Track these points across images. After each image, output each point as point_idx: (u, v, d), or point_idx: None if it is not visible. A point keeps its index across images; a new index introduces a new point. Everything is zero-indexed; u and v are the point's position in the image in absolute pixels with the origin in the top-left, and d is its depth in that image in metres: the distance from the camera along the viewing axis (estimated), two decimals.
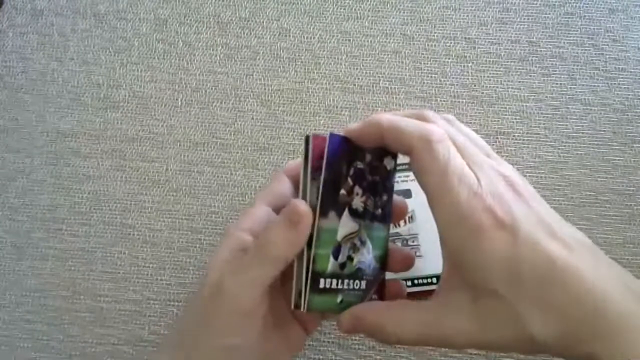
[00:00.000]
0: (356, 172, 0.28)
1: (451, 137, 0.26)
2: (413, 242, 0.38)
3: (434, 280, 0.37)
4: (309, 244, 0.26)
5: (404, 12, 0.47)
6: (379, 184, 0.29)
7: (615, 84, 0.44)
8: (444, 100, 0.44)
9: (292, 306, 0.27)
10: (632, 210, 0.40)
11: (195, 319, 0.29)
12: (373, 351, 0.37)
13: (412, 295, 0.37)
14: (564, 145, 0.42)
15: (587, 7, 0.46)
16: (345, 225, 0.27)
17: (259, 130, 0.43)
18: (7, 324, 0.39)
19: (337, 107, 0.44)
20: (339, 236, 0.27)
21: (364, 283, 0.29)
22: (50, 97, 0.45)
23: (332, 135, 0.26)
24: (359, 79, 0.45)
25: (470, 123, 0.43)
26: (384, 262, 0.30)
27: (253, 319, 0.27)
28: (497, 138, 0.43)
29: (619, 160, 0.42)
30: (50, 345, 0.38)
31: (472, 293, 0.24)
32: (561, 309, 0.23)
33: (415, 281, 0.37)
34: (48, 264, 0.40)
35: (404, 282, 0.32)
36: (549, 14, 0.46)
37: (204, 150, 0.43)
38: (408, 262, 0.31)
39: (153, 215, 0.41)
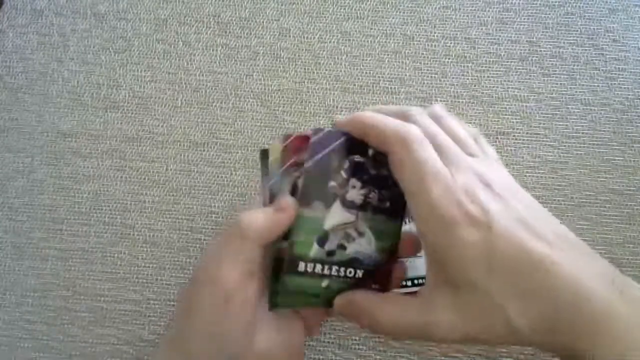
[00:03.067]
0: (353, 165, 0.29)
1: (432, 135, 0.27)
2: None
3: None
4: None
5: (404, 12, 0.47)
6: (388, 178, 0.29)
7: (615, 84, 0.44)
8: (444, 100, 0.44)
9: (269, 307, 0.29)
10: (632, 210, 0.40)
11: (182, 307, 0.29)
12: (373, 351, 0.37)
13: (412, 296, 0.37)
14: (564, 145, 0.42)
15: (587, 7, 0.46)
16: (336, 215, 0.28)
17: (259, 130, 0.43)
18: (7, 324, 0.39)
19: (337, 107, 0.44)
20: (327, 225, 0.28)
21: (360, 272, 0.30)
22: (50, 97, 0.45)
23: (316, 130, 0.28)
24: (359, 79, 0.45)
25: (470, 123, 0.43)
26: (390, 254, 0.30)
27: (236, 303, 0.27)
28: (497, 138, 0.43)
29: (619, 160, 0.42)
30: (50, 345, 0.38)
31: (453, 286, 0.25)
32: (538, 298, 0.23)
33: (415, 281, 0.37)
34: (48, 264, 0.40)
35: (406, 265, 0.32)
36: (549, 14, 0.46)
37: (204, 150, 0.43)
38: (416, 247, 0.32)
39: (153, 215, 0.41)
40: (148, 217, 0.41)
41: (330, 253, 0.29)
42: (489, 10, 0.46)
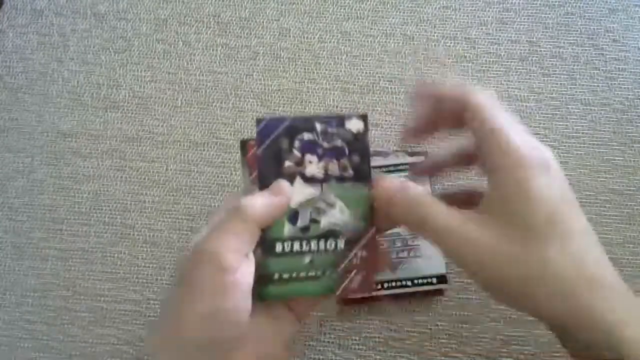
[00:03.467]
0: (305, 142, 0.31)
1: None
2: (413, 242, 0.38)
3: (434, 280, 0.37)
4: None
5: (404, 12, 0.47)
6: (344, 148, 0.31)
7: (615, 84, 0.44)
8: None
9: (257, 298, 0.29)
10: (632, 210, 0.40)
11: (178, 288, 0.28)
12: (373, 351, 0.37)
13: (412, 296, 0.37)
14: (564, 145, 0.42)
15: (587, 7, 0.46)
16: (299, 192, 0.30)
17: None
18: (7, 324, 0.39)
19: (337, 107, 0.44)
20: (294, 203, 0.30)
21: (342, 242, 0.31)
22: (50, 97, 0.45)
23: (258, 120, 0.30)
24: (359, 79, 0.45)
25: None
26: (369, 218, 0.31)
27: (234, 279, 0.27)
28: None
29: (619, 160, 0.42)
30: (50, 345, 0.38)
31: (511, 219, 0.26)
32: (577, 263, 0.25)
33: (415, 281, 0.37)
34: (48, 264, 0.40)
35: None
36: (549, 14, 0.46)
37: (204, 150, 0.43)
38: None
39: (153, 215, 0.41)
40: (148, 217, 0.41)
41: (305, 229, 0.30)
42: (489, 10, 0.47)
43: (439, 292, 0.38)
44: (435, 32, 0.46)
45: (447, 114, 0.29)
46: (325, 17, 0.47)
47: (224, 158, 0.43)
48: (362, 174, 0.31)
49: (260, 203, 0.29)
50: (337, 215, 0.31)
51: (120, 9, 0.47)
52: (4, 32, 0.47)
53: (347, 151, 0.31)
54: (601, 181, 0.41)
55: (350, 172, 0.31)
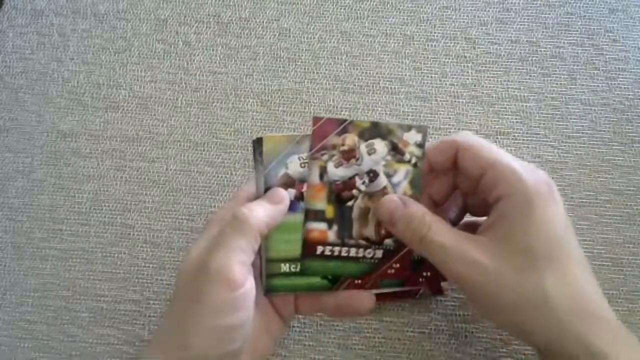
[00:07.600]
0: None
1: None
2: None
3: None
4: None
5: (404, 12, 0.47)
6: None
7: (615, 84, 0.44)
8: (444, 100, 0.44)
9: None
10: (632, 210, 0.40)
11: (185, 304, 0.28)
12: (373, 351, 0.37)
13: (411, 295, 0.37)
14: (564, 145, 0.42)
15: (587, 7, 0.46)
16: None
17: (259, 130, 0.43)
18: (7, 324, 0.39)
19: (337, 107, 0.44)
20: None
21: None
22: (50, 97, 0.45)
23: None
24: (359, 79, 0.45)
25: (470, 123, 0.43)
26: None
27: (242, 294, 0.27)
28: (497, 138, 0.43)
29: (619, 160, 0.42)
30: (50, 345, 0.38)
31: (513, 245, 0.27)
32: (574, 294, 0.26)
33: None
34: (48, 264, 0.40)
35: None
36: (549, 14, 0.46)
37: (204, 150, 0.43)
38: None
39: (153, 215, 0.41)
40: (148, 217, 0.41)
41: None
42: (489, 10, 0.47)
43: (439, 291, 0.38)
44: (435, 32, 0.46)
45: (442, 162, 0.30)
46: (325, 17, 0.47)
47: (224, 158, 0.43)
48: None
49: (262, 214, 0.28)
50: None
51: (120, 9, 0.47)
52: (4, 32, 0.47)
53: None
54: (601, 181, 0.41)
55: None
